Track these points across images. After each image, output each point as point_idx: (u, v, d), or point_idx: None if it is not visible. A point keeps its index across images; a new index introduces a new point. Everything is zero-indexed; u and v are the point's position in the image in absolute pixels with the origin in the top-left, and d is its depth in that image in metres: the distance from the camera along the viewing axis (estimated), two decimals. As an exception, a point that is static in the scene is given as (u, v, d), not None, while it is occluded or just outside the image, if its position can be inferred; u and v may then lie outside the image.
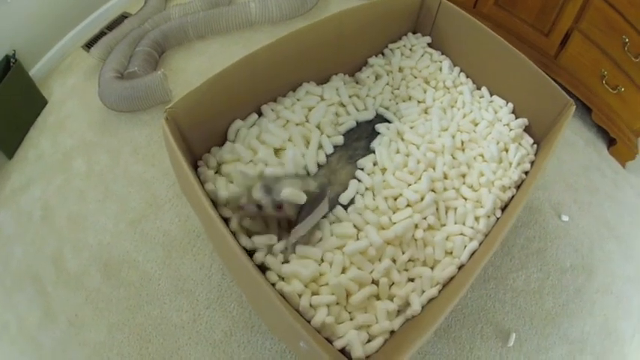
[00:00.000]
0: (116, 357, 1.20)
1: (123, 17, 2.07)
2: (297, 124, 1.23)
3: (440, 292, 1.01)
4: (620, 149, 1.58)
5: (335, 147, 1.21)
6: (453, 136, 1.25)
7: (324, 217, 1.07)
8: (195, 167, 1.14)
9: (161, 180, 1.50)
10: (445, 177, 1.17)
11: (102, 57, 1.85)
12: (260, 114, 1.26)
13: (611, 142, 1.63)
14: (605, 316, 1.24)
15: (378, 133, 1.25)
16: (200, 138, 1.14)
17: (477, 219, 1.12)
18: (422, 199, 1.10)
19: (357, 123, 1.27)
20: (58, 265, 1.39)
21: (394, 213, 1.10)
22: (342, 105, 1.31)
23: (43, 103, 1.86)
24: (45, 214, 1.51)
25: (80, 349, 1.23)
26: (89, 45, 1.96)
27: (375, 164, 1.18)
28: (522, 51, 1.57)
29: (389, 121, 1.29)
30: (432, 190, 1.12)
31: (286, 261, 1.01)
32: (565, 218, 1.39)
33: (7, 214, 1.57)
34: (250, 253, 0.99)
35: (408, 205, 1.10)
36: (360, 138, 1.23)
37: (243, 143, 1.18)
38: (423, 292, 1.01)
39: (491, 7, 1.70)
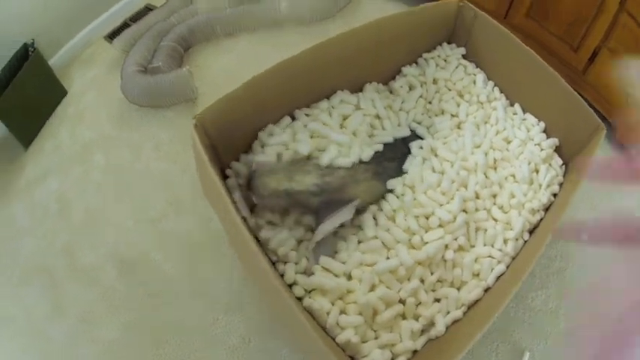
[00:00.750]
0: (129, 356, 1.22)
1: (147, 9, 2.09)
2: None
3: (464, 314, 1.02)
4: (644, 169, 1.59)
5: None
6: (485, 154, 1.24)
7: (342, 225, 1.08)
8: (222, 175, 1.15)
9: (183, 179, 1.51)
10: (477, 196, 1.17)
11: (125, 49, 1.87)
12: (293, 118, 1.27)
13: (635, 163, 1.64)
14: None
15: (409, 154, 1.25)
16: (228, 145, 1.15)
17: (505, 241, 1.12)
18: (454, 218, 1.10)
19: (393, 140, 1.27)
20: (71, 259, 1.40)
21: (426, 232, 1.10)
22: (378, 117, 1.31)
23: (62, 93, 1.88)
24: (61, 207, 1.53)
25: (91, 346, 1.25)
26: (112, 36, 1.99)
27: (404, 185, 1.19)
28: (551, 64, 1.57)
29: (421, 138, 1.29)
30: (464, 210, 1.13)
31: (310, 273, 1.02)
32: (585, 238, 1.39)
33: (21, 206, 1.58)
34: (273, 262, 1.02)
35: (440, 225, 1.10)
36: (393, 159, 1.22)
37: (276, 147, 1.19)
38: (448, 312, 1.02)
39: (522, 18, 1.71)
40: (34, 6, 1.79)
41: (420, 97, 1.38)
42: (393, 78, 1.44)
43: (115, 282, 1.34)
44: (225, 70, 1.83)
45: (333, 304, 0.98)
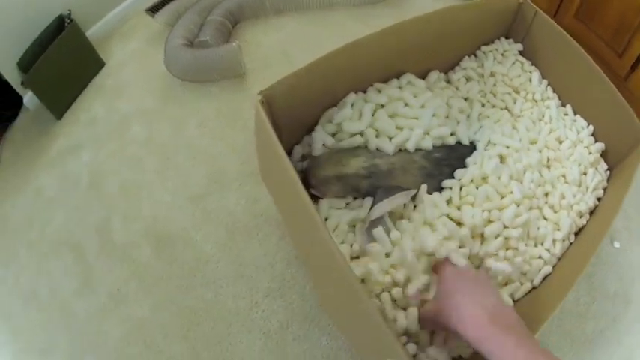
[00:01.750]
0: (158, 335, 1.22)
1: (192, -17, 2.12)
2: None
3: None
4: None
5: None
6: (540, 151, 1.27)
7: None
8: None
9: (229, 157, 1.50)
10: (531, 193, 1.19)
11: (169, 23, 1.88)
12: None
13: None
14: (631, 347, 1.26)
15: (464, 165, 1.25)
16: (290, 125, 1.14)
17: (554, 242, 1.14)
18: (515, 217, 1.11)
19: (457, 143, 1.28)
20: (103, 235, 1.41)
21: (485, 226, 1.11)
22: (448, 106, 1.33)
23: (99, 65, 1.89)
24: (94, 180, 1.53)
25: (118, 324, 1.25)
26: (153, 10, 2.00)
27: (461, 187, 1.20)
28: None
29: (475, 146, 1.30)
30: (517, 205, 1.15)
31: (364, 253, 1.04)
32: (617, 245, 1.42)
33: (51, 176, 1.60)
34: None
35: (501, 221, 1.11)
36: (450, 165, 1.23)
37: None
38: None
39: (571, 18, 1.74)
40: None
41: (479, 91, 1.41)
42: (452, 68, 1.46)
43: (149, 259, 1.34)
44: (275, 48, 1.83)
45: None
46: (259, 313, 1.23)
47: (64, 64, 1.74)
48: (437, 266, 0.91)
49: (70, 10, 1.80)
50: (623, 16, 1.53)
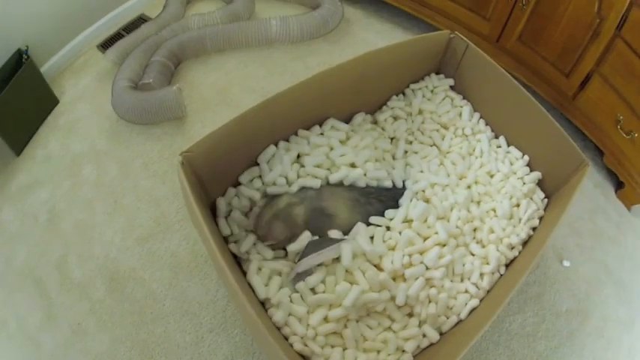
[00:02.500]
0: (118, 369, 1.30)
1: (141, 19, 2.16)
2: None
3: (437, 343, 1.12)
4: (628, 193, 1.65)
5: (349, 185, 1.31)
6: (469, 187, 1.33)
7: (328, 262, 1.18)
8: (211, 204, 1.25)
9: (171, 200, 1.58)
10: (459, 233, 1.24)
11: (117, 61, 1.93)
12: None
13: (619, 186, 1.70)
14: (594, 358, 1.32)
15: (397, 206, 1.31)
16: (215, 179, 1.23)
17: (481, 276, 1.19)
18: (439, 258, 1.17)
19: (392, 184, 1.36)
20: (62, 271, 1.48)
21: (407, 269, 1.17)
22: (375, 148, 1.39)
23: (54, 102, 1.94)
24: (51, 218, 1.60)
25: (81, 357, 1.33)
26: (105, 45, 2.05)
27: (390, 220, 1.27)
28: (541, 89, 1.62)
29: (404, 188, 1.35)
30: (442, 245, 1.21)
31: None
32: (566, 264, 1.47)
33: (11, 211, 1.66)
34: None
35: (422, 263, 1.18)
36: (380, 200, 1.29)
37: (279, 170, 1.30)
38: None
39: (515, 42, 1.76)
40: (28, 12, 1.84)
41: (405, 130, 1.46)
42: (380, 108, 1.51)
43: (104, 297, 1.41)
44: (215, 88, 1.90)
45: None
46: (205, 348, 1.31)
47: (21, 100, 1.79)
48: None
49: (27, 46, 1.84)
50: (572, 34, 1.56)
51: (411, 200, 1.29)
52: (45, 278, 1.48)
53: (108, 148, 1.75)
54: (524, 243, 1.26)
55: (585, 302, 1.40)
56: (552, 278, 1.43)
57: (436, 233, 1.21)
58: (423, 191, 1.31)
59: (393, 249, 1.21)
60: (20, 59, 1.83)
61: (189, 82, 1.93)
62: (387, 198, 1.31)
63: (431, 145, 1.44)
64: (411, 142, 1.45)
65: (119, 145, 1.75)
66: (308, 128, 1.39)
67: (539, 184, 1.36)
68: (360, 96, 1.44)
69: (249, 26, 1.97)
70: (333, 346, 1.09)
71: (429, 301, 1.15)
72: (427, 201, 1.29)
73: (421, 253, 1.18)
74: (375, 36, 2.08)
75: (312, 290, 1.14)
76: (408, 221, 1.25)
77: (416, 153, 1.42)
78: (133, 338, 1.34)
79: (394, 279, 1.16)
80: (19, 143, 1.83)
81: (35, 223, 1.61)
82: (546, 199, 1.34)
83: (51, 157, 1.78)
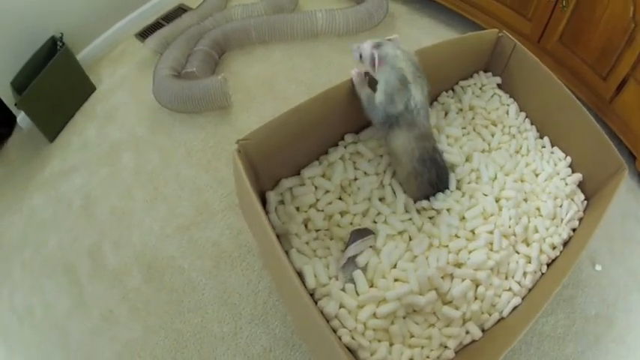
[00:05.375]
0: (148, 357, 1.33)
1: (181, 10, 2.22)
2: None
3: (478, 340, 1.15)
4: (659, 199, 1.68)
5: None
6: (517, 184, 1.36)
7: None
8: (262, 195, 1.28)
9: (215, 188, 1.62)
10: (509, 231, 1.28)
11: (157, 50, 1.99)
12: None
13: (651, 191, 1.73)
14: None
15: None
16: (267, 170, 1.26)
17: (524, 274, 1.23)
18: (488, 258, 1.21)
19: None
20: (95, 258, 1.52)
21: (456, 267, 1.21)
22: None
23: (91, 89, 2.01)
24: (86, 204, 1.65)
25: (110, 344, 1.36)
26: (143, 35, 2.11)
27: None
28: (580, 91, 1.64)
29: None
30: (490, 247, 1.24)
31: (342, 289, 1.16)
32: (598, 268, 1.49)
33: (43, 198, 1.71)
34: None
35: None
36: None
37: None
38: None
39: (555, 43, 1.80)
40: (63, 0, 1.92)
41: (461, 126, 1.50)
42: (431, 104, 1.56)
43: (139, 285, 1.45)
44: (260, 79, 1.94)
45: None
46: (244, 339, 1.34)
47: (56, 87, 1.85)
48: None
49: (62, 33, 1.91)
50: (609, 39, 1.58)
51: (462, 193, 1.34)
52: (77, 265, 1.53)
53: (148, 135, 1.80)
54: (565, 243, 1.30)
55: (613, 308, 1.41)
56: (584, 282, 1.45)
57: (490, 232, 1.25)
58: (475, 182, 1.36)
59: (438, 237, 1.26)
60: (54, 46, 1.89)
61: (234, 72, 1.97)
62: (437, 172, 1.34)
63: (482, 141, 1.48)
64: (463, 136, 1.48)
65: (160, 133, 1.80)
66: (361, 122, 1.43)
67: (579, 185, 1.40)
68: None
69: (295, 18, 2.02)
70: (379, 341, 1.12)
71: (475, 299, 1.18)
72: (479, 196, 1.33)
73: (470, 252, 1.23)
74: (418, 32, 2.13)
75: (363, 278, 1.18)
76: (461, 219, 1.29)
77: (470, 145, 1.46)
78: (167, 327, 1.37)
79: (442, 278, 1.19)
80: (52, 130, 1.90)
81: (68, 209, 1.66)
82: (586, 202, 1.38)
83: (87, 144, 1.83)
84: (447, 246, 1.24)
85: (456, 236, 1.26)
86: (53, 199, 1.71)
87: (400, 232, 1.29)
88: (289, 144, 1.27)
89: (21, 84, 1.80)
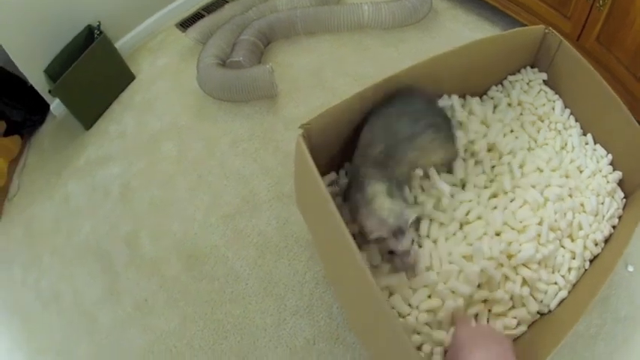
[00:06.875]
0: (184, 347, 1.33)
1: (222, 1, 2.25)
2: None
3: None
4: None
5: None
6: (562, 179, 1.37)
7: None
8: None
9: (261, 178, 1.62)
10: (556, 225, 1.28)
11: (199, 40, 2.01)
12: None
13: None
14: None
15: None
16: (328, 155, 1.27)
17: (569, 270, 1.24)
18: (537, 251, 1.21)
19: None
20: (132, 246, 1.53)
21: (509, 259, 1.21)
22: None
23: (130, 78, 2.03)
24: (124, 192, 1.66)
25: (143, 334, 1.37)
26: (184, 25, 2.13)
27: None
28: (616, 91, 1.64)
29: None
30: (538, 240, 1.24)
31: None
32: (630, 269, 1.49)
33: (78, 185, 1.73)
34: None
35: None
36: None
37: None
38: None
39: (593, 42, 1.82)
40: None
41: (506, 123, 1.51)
42: (480, 97, 1.58)
43: (178, 274, 1.45)
44: (306, 70, 1.95)
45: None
46: (286, 330, 1.33)
47: (93, 75, 1.87)
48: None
49: (99, 22, 1.93)
50: None
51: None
52: (112, 253, 1.54)
53: (192, 124, 1.81)
54: (605, 240, 1.30)
55: None
56: (617, 282, 1.45)
57: (539, 224, 1.25)
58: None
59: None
60: (91, 35, 1.92)
61: (280, 63, 1.98)
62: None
63: (529, 138, 1.49)
64: (512, 130, 1.50)
65: (204, 121, 1.81)
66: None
67: (618, 184, 1.41)
68: (464, 84, 1.50)
69: (341, 10, 2.03)
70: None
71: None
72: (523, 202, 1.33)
73: (520, 244, 1.22)
74: (462, 27, 2.13)
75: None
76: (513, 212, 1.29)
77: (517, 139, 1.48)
78: (206, 317, 1.37)
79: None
80: (89, 118, 1.92)
81: (105, 197, 1.67)
82: (625, 200, 1.39)
83: (126, 132, 1.85)
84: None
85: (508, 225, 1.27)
86: (89, 186, 1.72)
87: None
88: (351, 131, 1.27)
89: (55, 72, 1.83)
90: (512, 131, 1.49)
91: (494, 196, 1.33)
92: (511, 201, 1.31)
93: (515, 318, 1.16)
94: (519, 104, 1.54)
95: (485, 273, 1.16)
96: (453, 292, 1.14)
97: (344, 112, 1.20)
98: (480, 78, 1.54)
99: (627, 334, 1.36)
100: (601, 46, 1.79)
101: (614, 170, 1.41)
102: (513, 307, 1.18)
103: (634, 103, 1.71)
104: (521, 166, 1.39)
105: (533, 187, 1.34)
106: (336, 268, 1.22)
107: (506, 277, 1.18)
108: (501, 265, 1.19)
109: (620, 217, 1.34)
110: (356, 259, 0.95)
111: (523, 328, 1.16)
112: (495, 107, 1.54)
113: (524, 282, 1.19)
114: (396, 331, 0.90)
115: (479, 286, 1.16)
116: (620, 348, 1.33)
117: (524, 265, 1.20)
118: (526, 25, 1.54)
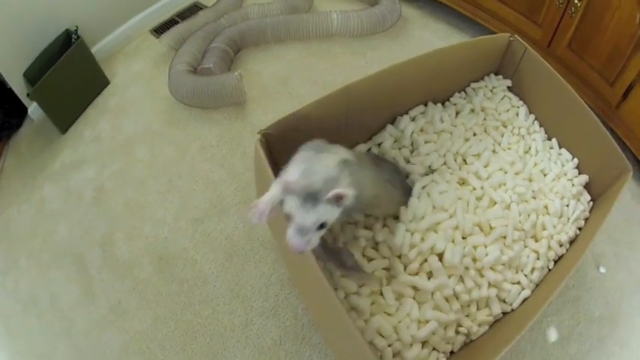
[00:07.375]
0: (157, 348, 1.38)
1: (196, 7, 2.29)
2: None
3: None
4: (664, 206, 1.72)
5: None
6: (526, 182, 1.43)
7: None
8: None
9: (229, 183, 1.67)
10: (520, 226, 1.35)
11: (173, 46, 2.06)
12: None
13: (656, 198, 1.77)
14: None
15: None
16: (288, 162, 1.32)
17: (532, 270, 1.30)
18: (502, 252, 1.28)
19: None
20: (106, 249, 1.58)
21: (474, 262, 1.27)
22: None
23: (104, 83, 2.07)
24: (98, 196, 1.70)
25: (118, 335, 1.41)
26: (158, 31, 2.17)
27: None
28: (587, 96, 1.70)
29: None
30: (503, 239, 1.31)
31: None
32: (602, 270, 1.54)
33: (54, 189, 1.77)
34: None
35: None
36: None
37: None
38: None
39: (564, 49, 1.85)
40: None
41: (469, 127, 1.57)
42: (443, 104, 1.63)
43: (150, 276, 1.50)
44: (275, 77, 2.01)
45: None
46: (254, 331, 1.39)
47: (70, 79, 1.91)
48: None
49: (77, 27, 1.98)
50: (616, 46, 1.63)
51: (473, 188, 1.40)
52: (86, 256, 1.58)
53: (163, 130, 1.86)
54: (571, 242, 1.37)
55: (616, 310, 1.45)
56: (589, 283, 1.49)
57: (505, 226, 1.31)
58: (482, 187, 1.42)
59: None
60: (68, 39, 1.96)
61: (249, 70, 2.04)
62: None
63: (493, 143, 1.55)
64: (474, 135, 1.56)
65: (175, 127, 1.86)
66: (381, 120, 1.51)
67: (585, 187, 1.47)
68: (426, 91, 1.56)
69: (310, 18, 2.09)
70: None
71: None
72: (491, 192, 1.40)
73: (486, 246, 1.28)
74: (431, 35, 2.19)
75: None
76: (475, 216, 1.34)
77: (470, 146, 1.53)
78: (177, 319, 1.42)
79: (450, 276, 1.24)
80: (64, 122, 1.96)
81: (80, 201, 1.71)
82: (591, 202, 1.45)
83: (100, 136, 1.89)
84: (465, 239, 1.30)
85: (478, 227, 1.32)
86: (64, 190, 1.77)
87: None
88: (309, 138, 1.31)
89: (34, 76, 1.86)
90: (475, 135, 1.55)
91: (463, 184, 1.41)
92: (477, 199, 1.38)
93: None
94: (482, 110, 1.61)
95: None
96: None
97: (302, 118, 1.25)
98: (443, 85, 1.60)
99: (603, 334, 1.40)
100: (572, 52, 1.84)
101: (580, 174, 1.48)
102: (478, 309, 1.24)
103: (606, 109, 1.76)
104: (485, 166, 1.46)
105: (499, 186, 1.41)
106: (297, 270, 1.27)
107: (475, 284, 1.24)
108: (467, 268, 1.25)
109: (586, 219, 1.41)
110: (310, 262, 1.00)
111: (484, 328, 1.22)
112: (458, 113, 1.60)
113: (490, 285, 1.25)
114: (350, 330, 0.95)
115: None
116: (596, 348, 1.38)
117: (491, 268, 1.26)
118: (496, 33, 1.59)
